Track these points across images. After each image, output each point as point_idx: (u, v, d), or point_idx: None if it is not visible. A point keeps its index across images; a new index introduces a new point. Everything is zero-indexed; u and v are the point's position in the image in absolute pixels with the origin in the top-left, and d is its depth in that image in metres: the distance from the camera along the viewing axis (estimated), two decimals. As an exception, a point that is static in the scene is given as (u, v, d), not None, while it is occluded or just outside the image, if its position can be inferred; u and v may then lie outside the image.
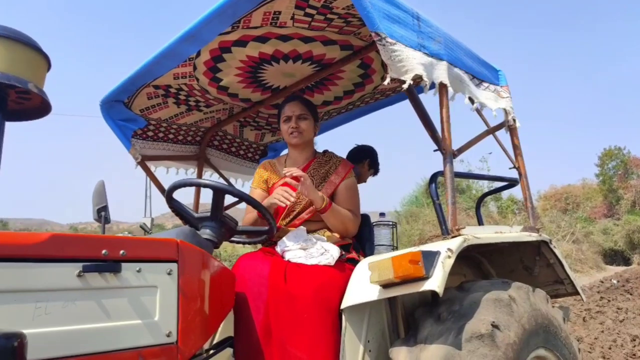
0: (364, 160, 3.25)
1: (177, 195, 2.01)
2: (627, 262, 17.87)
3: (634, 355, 4.63)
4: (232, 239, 2.05)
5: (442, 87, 1.90)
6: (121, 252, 1.35)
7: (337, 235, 2.15)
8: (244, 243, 2.12)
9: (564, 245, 14.89)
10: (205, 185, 1.88)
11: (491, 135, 2.33)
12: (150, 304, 1.39)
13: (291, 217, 2.21)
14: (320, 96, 2.89)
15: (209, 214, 1.88)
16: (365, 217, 2.48)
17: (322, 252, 1.96)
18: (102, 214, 1.96)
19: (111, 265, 1.32)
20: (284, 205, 2.08)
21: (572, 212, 21.69)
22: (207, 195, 2.40)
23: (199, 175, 3.17)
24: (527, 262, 2.32)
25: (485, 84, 2.26)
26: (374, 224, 2.42)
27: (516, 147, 2.39)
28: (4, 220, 51.62)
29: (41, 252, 1.22)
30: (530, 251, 2.26)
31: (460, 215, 13.99)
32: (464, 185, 18.28)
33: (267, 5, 1.91)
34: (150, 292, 1.40)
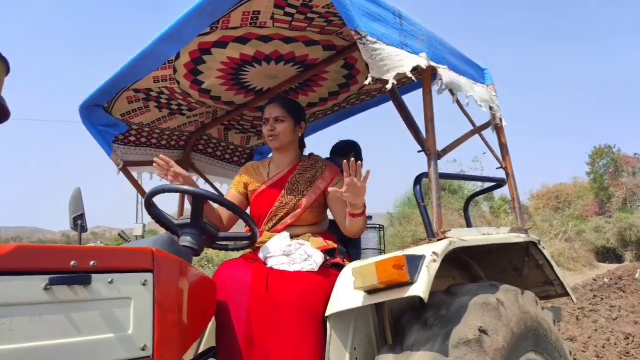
0: (349, 154, 3.20)
1: (165, 200, 1.96)
2: (619, 259, 17.99)
3: (628, 353, 4.62)
4: (215, 245, 2.00)
5: (426, 86, 1.86)
6: (92, 263, 1.29)
7: (321, 239, 2.10)
8: (226, 250, 2.07)
9: (556, 244, 14.95)
10: (184, 191, 1.83)
11: (478, 135, 2.29)
12: (123, 316, 1.33)
13: (274, 222, 2.16)
14: (305, 98, 2.85)
15: (189, 220, 1.82)
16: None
17: (306, 257, 1.91)
18: (78, 222, 1.91)
19: (80, 277, 1.26)
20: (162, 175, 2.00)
21: (564, 210, 21.81)
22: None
23: (184, 181, 3.10)
24: (517, 264, 2.28)
25: (471, 83, 2.22)
26: (361, 227, 2.37)
27: (503, 147, 2.35)
28: (-6, 228, 51.07)
29: (5, 264, 1.16)
30: (519, 252, 2.22)
31: (452, 216, 14.01)
32: (456, 185, 18.31)
33: (246, 5, 1.87)
34: (123, 304, 1.34)
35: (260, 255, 2.01)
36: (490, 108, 2.31)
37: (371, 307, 1.85)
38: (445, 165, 17.51)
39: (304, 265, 1.88)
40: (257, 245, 2.07)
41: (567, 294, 2.30)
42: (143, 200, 2.73)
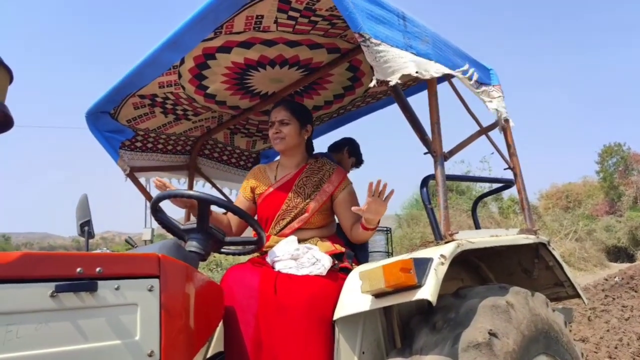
0: (343, 148, 3.21)
1: (172, 206, 1.97)
2: (631, 258, 17.77)
3: (641, 354, 4.56)
4: (222, 250, 2.00)
5: (431, 87, 1.85)
6: (97, 269, 1.29)
7: (329, 243, 2.09)
8: (233, 254, 2.06)
9: (567, 244, 14.81)
10: (190, 196, 1.83)
11: (484, 136, 2.27)
12: (130, 322, 1.33)
13: (281, 226, 2.15)
14: (310, 101, 2.84)
15: (195, 225, 1.82)
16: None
17: (314, 261, 1.90)
18: (85, 228, 1.92)
19: (86, 284, 1.26)
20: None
21: (574, 210, 21.63)
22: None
23: (190, 186, 3.11)
24: (526, 265, 2.26)
25: (477, 84, 2.21)
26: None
27: (510, 147, 2.33)
28: (6, 235, 51.56)
29: (11, 272, 1.16)
30: (529, 254, 2.20)
31: (460, 217, 13.93)
32: (464, 186, 18.20)
33: (249, 9, 1.86)
34: (130, 310, 1.34)
35: (268, 259, 2.00)
36: (497, 109, 2.29)
37: (379, 311, 1.83)
38: (453, 166, 17.42)
39: (312, 269, 1.87)
40: (264, 249, 2.06)
41: (578, 295, 2.27)
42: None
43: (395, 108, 1.85)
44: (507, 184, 2.49)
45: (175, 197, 1.88)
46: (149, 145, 2.87)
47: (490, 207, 18.05)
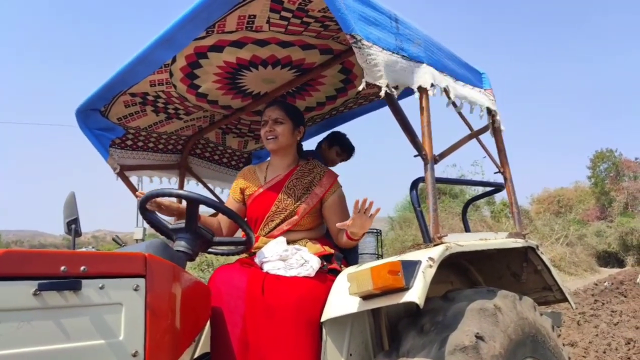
0: (325, 141, 3.21)
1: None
2: (621, 264, 17.93)
3: (629, 358, 4.59)
4: (210, 250, 1.99)
5: (422, 91, 1.85)
6: (82, 268, 1.28)
7: (318, 245, 2.09)
8: (221, 254, 2.05)
9: (557, 248, 14.90)
10: (179, 196, 1.82)
11: (475, 140, 2.28)
12: (114, 322, 1.32)
13: (270, 227, 2.14)
14: (302, 102, 2.84)
15: (183, 225, 1.81)
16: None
17: (302, 263, 1.90)
18: (72, 226, 1.89)
19: (70, 283, 1.24)
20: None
21: (565, 215, 21.77)
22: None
23: (181, 185, 3.09)
24: (515, 269, 2.26)
25: (469, 87, 2.21)
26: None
27: (501, 151, 2.33)
28: (-5, 232, 51.07)
29: (-7, 270, 1.14)
30: (517, 257, 2.20)
31: (453, 220, 13.97)
32: (457, 190, 18.27)
33: (242, 8, 1.86)
34: (114, 310, 1.32)
35: (256, 260, 1.99)
36: (489, 112, 2.30)
37: (367, 313, 1.83)
38: (445, 169, 17.48)
39: (300, 271, 1.87)
40: (253, 250, 2.06)
41: (565, 300, 2.28)
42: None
43: (388, 110, 1.85)
44: (497, 188, 2.49)
45: (164, 196, 1.87)
46: (140, 143, 2.85)
47: (483, 210, 18.13)
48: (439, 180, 2.02)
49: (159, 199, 2.00)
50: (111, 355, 1.29)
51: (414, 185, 1.98)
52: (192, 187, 3.20)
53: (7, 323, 1.14)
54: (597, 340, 5.17)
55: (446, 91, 1.98)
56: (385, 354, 1.67)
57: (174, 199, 2.16)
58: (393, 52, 1.73)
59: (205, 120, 2.90)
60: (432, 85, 1.88)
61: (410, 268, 1.54)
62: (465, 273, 2.44)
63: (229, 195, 2.36)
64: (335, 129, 3.24)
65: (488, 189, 2.64)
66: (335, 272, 1.94)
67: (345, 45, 2.28)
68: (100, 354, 1.27)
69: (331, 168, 3.04)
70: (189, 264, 1.96)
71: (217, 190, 3.34)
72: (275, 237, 2.10)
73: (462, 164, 23.14)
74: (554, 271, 2.22)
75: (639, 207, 24.44)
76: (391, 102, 1.79)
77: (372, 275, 1.51)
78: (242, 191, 2.29)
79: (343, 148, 3.24)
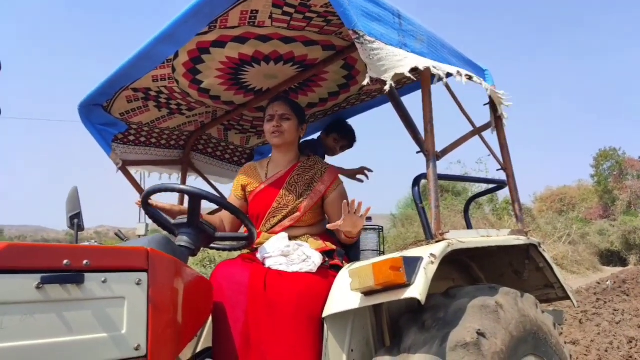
0: (323, 131, 3.08)
1: (165, 200, 1.96)
2: (623, 262, 17.87)
3: (631, 357, 4.58)
4: (212, 245, 1.99)
5: (425, 86, 1.84)
6: (85, 262, 1.28)
7: (320, 241, 2.09)
8: (223, 250, 2.06)
9: (560, 247, 14.86)
10: (181, 191, 1.82)
11: (479, 137, 2.27)
12: (117, 315, 1.32)
13: (272, 223, 2.14)
14: (304, 98, 2.83)
15: (185, 220, 1.81)
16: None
17: (304, 258, 1.90)
18: (75, 221, 1.90)
19: (73, 276, 1.25)
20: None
21: (568, 213, 21.72)
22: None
23: (183, 180, 3.10)
24: (517, 266, 2.26)
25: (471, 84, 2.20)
26: (360, 228, 2.35)
27: (503, 148, 2.33)
28: (-1, 227, 51.30)
29: (-4, 263, 1.15)
30: (519, 255, 2.20)
31: (456, 218, 13.95)
32: (460, 187, 18.24)
33: (244, 4, 1.86)
34: (117, 304, 1.33)
35: (258, 255, 1.99)
36: (494, 109, 2.29)
37: (369, 309, 1.83)
38: (449, 166, 17.46)
39: (302, 266, 1.87)
40: (254, 246, 2.06)
41: (567, 297, 2.28)
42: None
43: (390, 106, 1.85)
44: (499, 185, 2.49)
45: (166, 191, 1.87)
46: (142, 139, 2.85)
47: (485, 208, 18.09)
48: (441, 177, 2.02)
49: (160, 204, 2.02)
50: (113, 349, 1.29)
51: (416, 181, 1.98)
52: (194, 183, 3.21)
53: (10, 316, 1.15)
54: (599, 338, 5.17)
55: (449, 87, 1.97)
56: (387, 349, 1.67)
57: (175, 203, 2.17)
58: (396, 48, 1.72)
59: (207, 116, 2.90)
60: (433, 75, 1.86)
61: (412, 264, 1.54)
62: (467, 270, 2.44)
63: (230, 192, 2.36)
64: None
65: (490, 186, 2.63)
66: (337, 268, 1.95)
67: (348, 41, 2.27)
68: (103, 348, 1.28)
69: (333, 157, 3.02)
70: (190, 260, 1.96)
71: (219, 186, 3.35)
72: (277, 233, 2.10)
73: (466, 161, 23.12)
74: (556, 269, 2.21)
75: (642, 206, 24.39)
76: (393, 98, 1.79)
77: (373, 271, 1.51)
78: (244, 188, 2.29)
79: (341, 134, 3.06)
